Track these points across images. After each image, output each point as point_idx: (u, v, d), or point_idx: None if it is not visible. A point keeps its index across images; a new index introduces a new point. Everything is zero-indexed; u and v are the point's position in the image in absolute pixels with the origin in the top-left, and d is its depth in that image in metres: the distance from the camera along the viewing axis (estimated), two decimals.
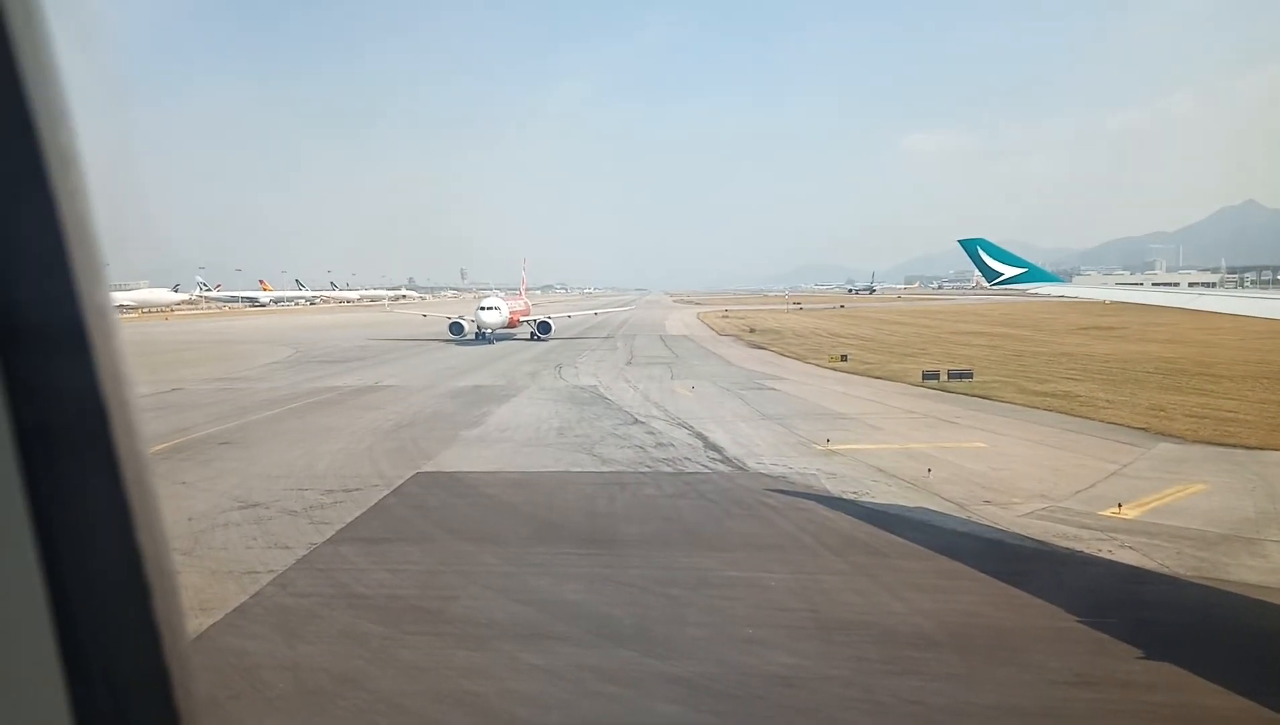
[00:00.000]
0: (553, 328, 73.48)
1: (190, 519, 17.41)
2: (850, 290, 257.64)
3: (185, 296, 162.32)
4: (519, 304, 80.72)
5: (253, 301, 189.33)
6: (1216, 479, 20.40)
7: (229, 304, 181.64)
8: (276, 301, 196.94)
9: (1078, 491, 19.48)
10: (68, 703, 1.15)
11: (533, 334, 72.02)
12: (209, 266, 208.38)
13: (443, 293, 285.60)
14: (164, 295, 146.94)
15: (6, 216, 1.11)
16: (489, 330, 67.92)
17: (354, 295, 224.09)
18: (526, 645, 11.74)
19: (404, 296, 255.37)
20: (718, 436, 26.61)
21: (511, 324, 72.33)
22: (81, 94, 1.21)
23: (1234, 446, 24.06)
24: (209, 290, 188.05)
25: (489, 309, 68.60)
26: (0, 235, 1.11)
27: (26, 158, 1.10)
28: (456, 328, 70.82)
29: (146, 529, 1.23)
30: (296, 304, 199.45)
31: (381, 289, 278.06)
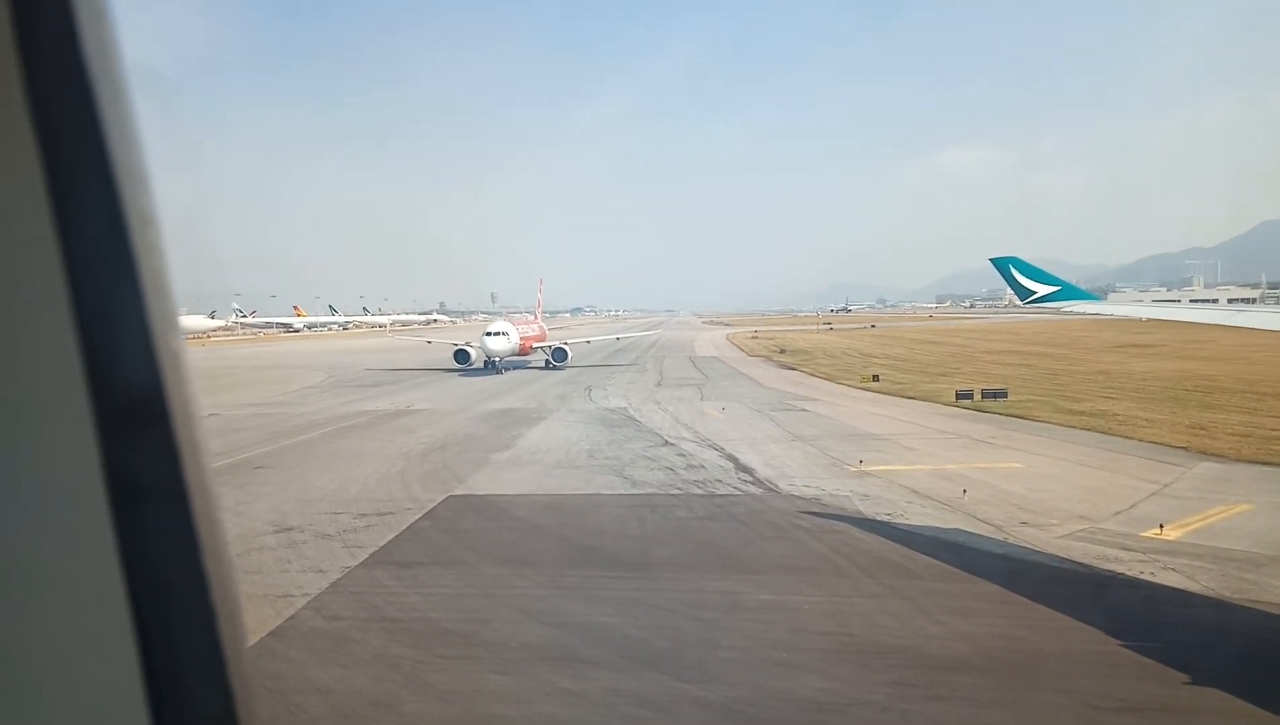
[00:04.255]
0: (569, 355, 67.14)
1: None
2: (832, 310, 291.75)
3: (222, 323, 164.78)
4: (532, 328, 73.22)
5: (287, 327, 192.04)
6: (1262, 499, 19.93)
7: (264, 330, 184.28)
8: (310, 327, 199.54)
9: (1118, 512, 19.12)
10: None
11: (547, 362, 66.38)
12: (244, 293, 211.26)
13: (473, 316, 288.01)
14: (201, 322, 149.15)
15: (94, 271, 1.22)
16: (497, 358, 61.66)
17: (386, 320, 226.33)
18: (558, 669, 11.70)
19: (435, 321, 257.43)
20: (749, 458, 26.49)
21: (523, 351, 65.58)
22: (156, 149, 1.32)
23: None
24: (245, 316, 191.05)
25: (495, 335, 61.68)
26: (88, 289, 1.22)
27: (112, 219, 1.23)
28: (462, 356, 63.95)
29: (213, 555, 1.33)
30: (329, 329, 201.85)
31: (413, 313, 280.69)
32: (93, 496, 1.22)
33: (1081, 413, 34.29)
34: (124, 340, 1.25)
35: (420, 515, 20.04)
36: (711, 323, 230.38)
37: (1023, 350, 76.10)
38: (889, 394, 44.37)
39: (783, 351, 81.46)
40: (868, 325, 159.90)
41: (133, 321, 1.25)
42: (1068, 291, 20.05)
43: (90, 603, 1.24)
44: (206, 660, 1.32)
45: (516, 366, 65.37)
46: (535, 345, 68.85)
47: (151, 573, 1.26)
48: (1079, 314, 24.07)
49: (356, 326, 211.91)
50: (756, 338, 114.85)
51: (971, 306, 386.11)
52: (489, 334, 62.01)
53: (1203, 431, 28.92)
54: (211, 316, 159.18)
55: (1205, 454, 25.44)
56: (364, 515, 20.02)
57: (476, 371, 62.15)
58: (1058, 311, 22.28)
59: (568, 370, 63.74)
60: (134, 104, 1.27)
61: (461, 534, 18.74)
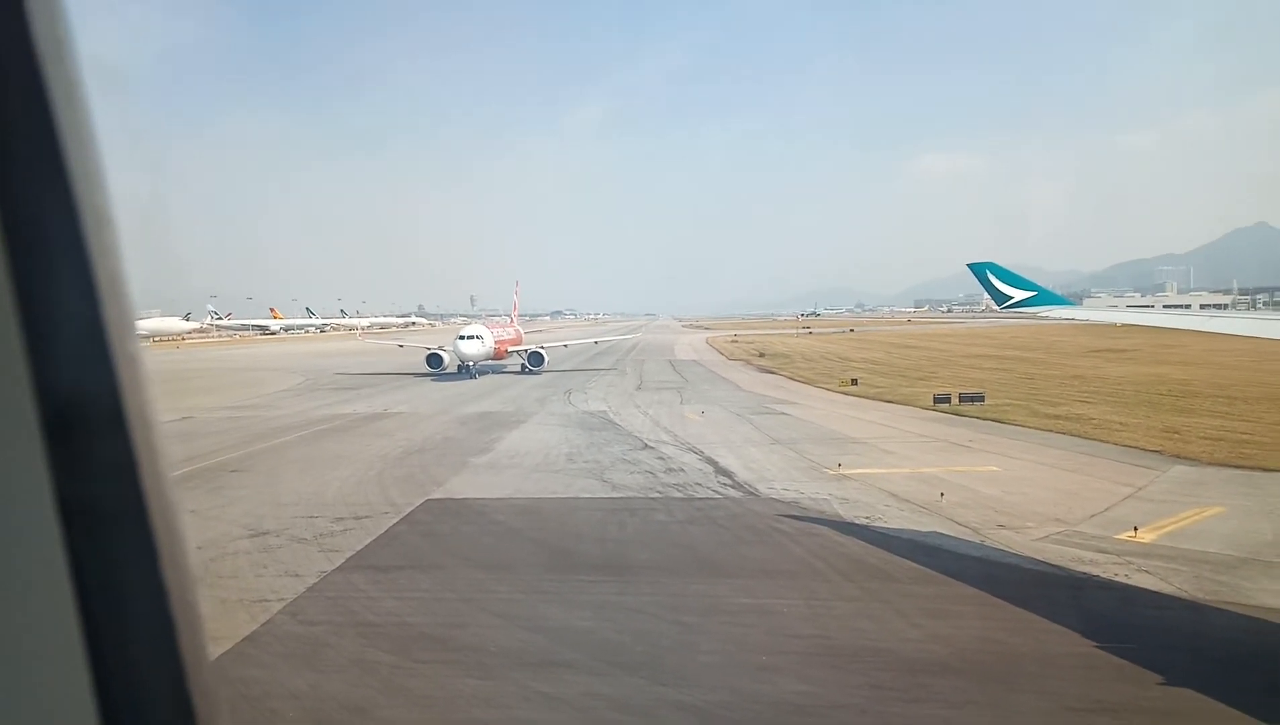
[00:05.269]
0: (546, 359, 64.93)
1: (199, 548, 17.41)
2: (802, 314, 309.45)
3: (197, 325, 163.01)
4: (508, 332, 72.26)
5: (263, 329, 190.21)
6: (1234, 502, 20.18)
7: (240, 332, 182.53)
8: (287, 329, 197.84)
9: (1092, 515, 19.30)
10: None
11: (523, 366, 64.44)
12: (220, 295, 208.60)
13: (452, 319, 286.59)
14: (176, 324, 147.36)
15: (46, 274, 1.19)
16: (471, 363, 60.29)
17: (364, 322, 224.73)
18: (536, 673, 11.64)
19: (414, 323, 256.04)
20: (728, 461, 26.52)
21: (498, 355, 64.87)
22: (113, 145, 1.28)
23: (1251, 468, 23.85)
24: (220, 318, 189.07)
25: (469, 338, 60.43)
26: (40, 294, 1.18)
27: (64, 219, 1.19)
28: (435, 360, 62.16)
29: (172, 566, 1.29)
30: (306, 332, 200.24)
31: (392, 316, 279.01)
32: (42, 510, 1.17)
33: (1057, 417, 34.62)
34: (76, 344, 1.21)
35: (398, 519, 19.88)
36: (691, 326, 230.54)
37: (999, 355, 76.71)
38: (867, 398, 44.56)
39: (762, 355, 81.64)
40: (846, 329, 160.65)
41: (86, 325, 1.21)
42: (1044, 297, 20.24)
43: (41, 621, 1.19)
44: (164, 675, 1.28)
45: (491, 371, 64.22)
46: (511, 349, 67.67)
47: (105, 585, 1.22)
48: (1055, 319, 24.31)
49: (334, 329, 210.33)
50: (736, 342, 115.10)
51: (949, 311, 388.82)
52: (462, 337, 60.72)
53: (1176, 435, 29.29)
54: (186, 318, 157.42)
55: (1179, 457, 25.75)
56: (340, 519, 19.84)
57: (450, 376, 60.57)
58: (1034, 316, 22.49)
59: (545, 374, 62.16)
60: (89, 101, 1.22)
61: (439, 538, 18.61)
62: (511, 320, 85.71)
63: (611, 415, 38.75)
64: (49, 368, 1.18)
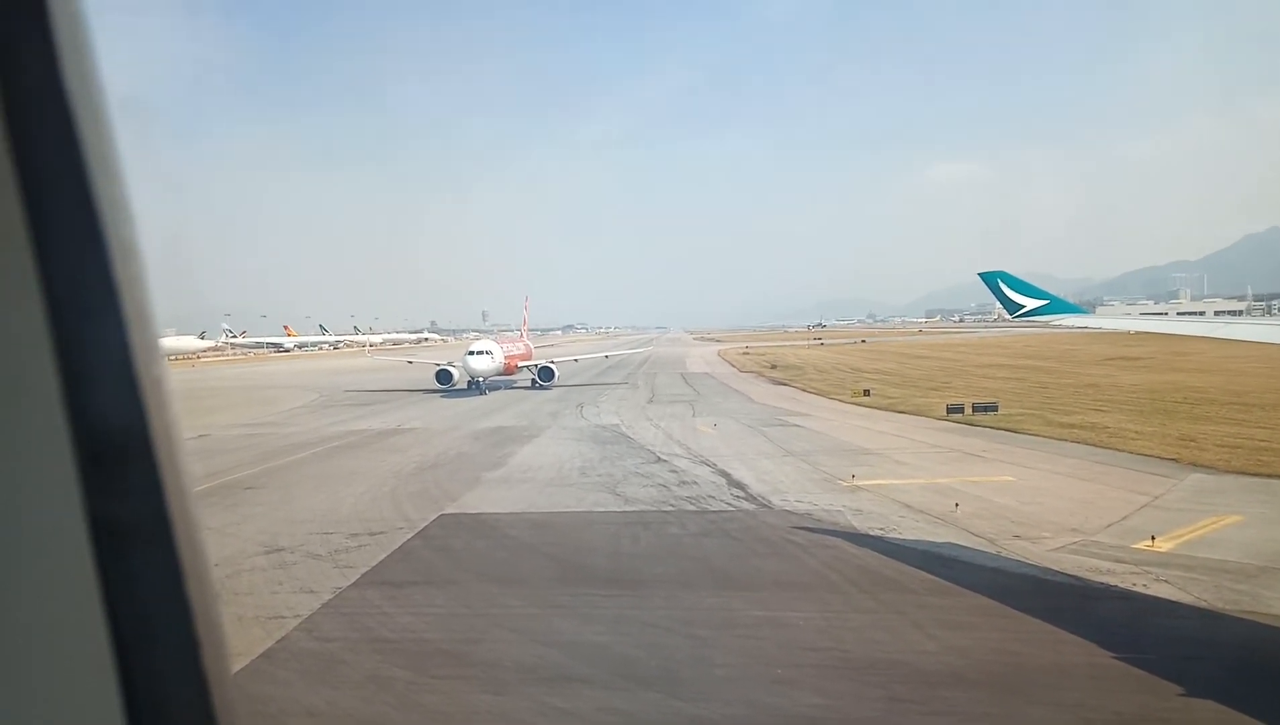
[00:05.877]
0: (556, 374, 64.59)
1: (215, 564, 17.49)
2: (810, 326, 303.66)
3: (212, 343, 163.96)
4: (518, 347, 71.99)
5: (277, 347, 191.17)
6: (1253, 509, 20.01)
7: (254, 350, 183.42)
8: (301, 346, 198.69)
9: (1109, 524, 19.16)
10: None
11: (534, 382, 64.30)
12: (235, 313, 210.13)
13: (465, 334, 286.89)
14: (190, 342, 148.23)
15: (76, 303, 1.23)
16: (481, 378, 59.89)
17: (377, 339, 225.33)
18: (551, 688, 11.63)
19: (427, 339, 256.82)
20: (741, 474, 26.48)
21: (508, 371, 64.45)
22: (131, 165, 1.34)
23: (1269, 476, 23.63)
24: (235, 336, 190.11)
25: (479, 354, 60.13)
26: (69, 320, 1.23)
27: (94, 250, 1.24)
28: (444, 376, 61.23)
29: (197, 584, 1.33)
30: (320, 349, 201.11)
31: (405, 332, 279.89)
32: (73, 527, 1.22)
33: (1072, 425, 34.41)
34: (106, 371, 1.26)
35: (412, 534, 19.94)
36: (703, 339, 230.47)
37: (1012, 364, 76.38)
38: (880, 409, 44.44)
39: (774, 367, 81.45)
40: (858, 340, 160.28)
41: (114, 352, 1.26)
42: (1056, 305, 20.16)
43: (71, 633, 1.23)
44: (190, 691, 1.32)
45: (502, 386, 63.94)
46: (521, 364, 67.28)
47: (134, 603, 1.26)
48: (1068, 327, 24.25)
49: (347, 346, 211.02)
50: (747, 353, 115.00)
51: (961, 321, 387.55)
52: (472, 353, 60.43)
53: (1192, 443, 29.06)
54: (201, 337, 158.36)
55: (1195, 465, 25.55)
56: (355, 535, 19.91)
57: (460, 392, 60.14)
58: (1046, 325, 22.46)
59: (556, 389, 61.85)
60: (117, 135, 1.28)
61: (454, 553, 18.65)
62: (522, 335, 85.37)
63: (624, 429, 38.75)
64: (81, 393, 1.22)
